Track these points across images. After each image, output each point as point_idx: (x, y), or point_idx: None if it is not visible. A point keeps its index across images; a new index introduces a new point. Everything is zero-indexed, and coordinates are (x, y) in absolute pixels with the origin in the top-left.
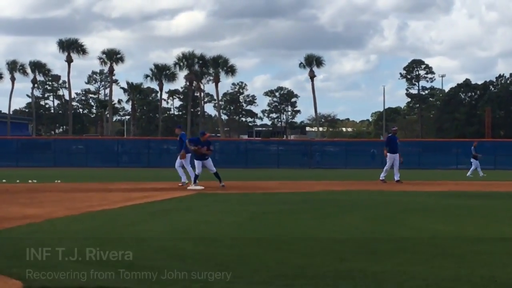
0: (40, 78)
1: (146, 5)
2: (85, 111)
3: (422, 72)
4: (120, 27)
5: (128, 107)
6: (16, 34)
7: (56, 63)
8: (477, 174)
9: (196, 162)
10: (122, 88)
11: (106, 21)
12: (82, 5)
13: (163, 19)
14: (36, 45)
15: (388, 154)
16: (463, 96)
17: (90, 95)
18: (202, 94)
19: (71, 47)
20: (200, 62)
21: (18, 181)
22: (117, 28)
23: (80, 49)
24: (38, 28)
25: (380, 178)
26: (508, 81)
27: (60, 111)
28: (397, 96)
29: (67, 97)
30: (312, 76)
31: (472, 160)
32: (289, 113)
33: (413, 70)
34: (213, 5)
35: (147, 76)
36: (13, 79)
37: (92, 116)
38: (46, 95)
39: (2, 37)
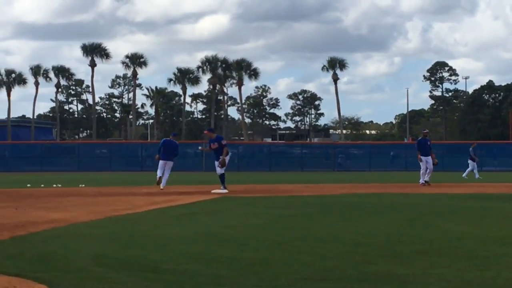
0: (63, 82)
1: (170, 9)
2: (109, 115)
3: (445, 74)
4: (144, 31)
5: (151, 111)
6: (41, 39)
7: (80, 67)
8: (473, 176)
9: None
10: (145, 94)
11: (130, 25)
12: (106, 9)
13: (187, 23)
14: (60, 50)
15: (421, 157)
16: (486, 98)
17: (114, 99)
18: (225, 97)
19: (95, 52)
20: (223, 65)
21: (42, 185)
22: (141, 32)
23: (104, 54)
24: (63, 33)
25: (420, 183)
26: None
27: (84, 116)
28: (421, 98)
29: (90, 102)
30: (335, 79)
31: (469, 161)
32: (313, 116)
33: (437, 72)
34: (237, 8)
35: (170, 80)
36: (37, 84)
37: (115, 120)
38: (70, 100)
39: (27, 42)
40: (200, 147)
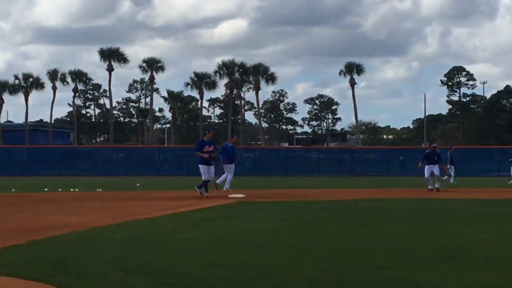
0: (81, 87)
1: (189, 13)
2: (126, 120)
3: (463, 79)
4: (163, 36)
5: (168, 115)
6: (60, 43)
7: (98, 72)
8: (448, 180)
9: (201, 167)
10: (163, 97)
11: (149, 30)
12: (126, 14)
13: (207, 27)
14: (79, 55)
15: (425, 166)
16: (504, 103)
17: (131, 104)
18: (242, 102)
19: (112, 56)
20: (241, 70)
21: (60, 189)
22: (160, 37)
23: (121, 58)
24: (82, 38)
25: (429, 188)
26: None
27: (101, 120)
28: (439, 103)
29: (108, 106)
30: (352, 83)
31: (449, 165)
32: (330, 120)
33: (454, 77)
34: (256, 13)
35: (187, 84)
36: (54, 88)
37: (133, 124)
38: (87, 104)
39: (46, 47)
40: (205, 156)
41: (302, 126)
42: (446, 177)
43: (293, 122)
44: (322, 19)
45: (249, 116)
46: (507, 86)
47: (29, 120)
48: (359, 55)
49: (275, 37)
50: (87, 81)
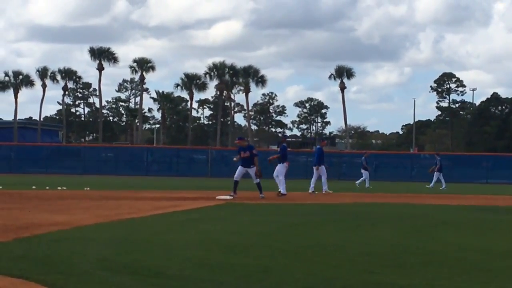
0: (71, 85)
1: (184, 14)
2: (115, 119)
3: (453, 86)
4: (157, 36)
5: (158, 115)
6: (53, 42)
7: (90, 71)
8: (363, 185)
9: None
10: (152, 98)
11: (143, 30)
12: (120, 13)
13: (201, 29)
14: (73, 53)
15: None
16: (493, 110)
17: (121, 103)
18: (232, 104)
19: (103, 55)
20: (231, 72)
21: (47, 187)
22: (154, 37)
23: (112, 57)
24: (76, 36)
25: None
26: None
27: (91, 119)
28: (429, 109)
29: (97, 105)
30: (342, 87)
31: (362, 170)
32: (319, 124)
33: (444, 83)
34: (251, 15)
35: (177, 85)
36: (44, 86)
37: (122, 124)
38: (77, 103)
39: (39, 45)
40: (234, 158)
41: (291, 129)
42: (368, 185)
43: (283, 125)
44: (316, 23)
45: (239, 118)
46: (495, 93)
47: (18, 117)
48: (352, 59)
49: (268, 39)
50: (77, 79)
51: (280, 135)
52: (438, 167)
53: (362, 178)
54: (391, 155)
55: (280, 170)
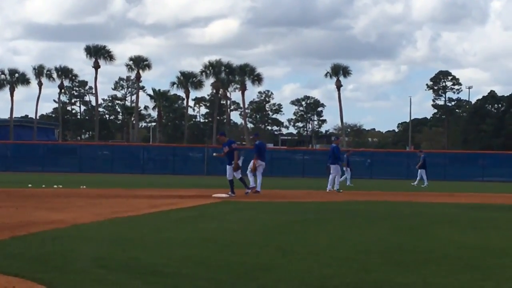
0: (66, 83)
1: (181, 12)
2: (112, 117)
3: (448, 84)
4: (154, 34)
5: (154, 113)
6: (50, 40)
7: (86, 69)
8: (345, 183)
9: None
10: (149, 94)
11: (140, 28)
12: (117, 11)
13: (197, 27)
14: (69, 51)
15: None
16: (489, 108)
17: (117, 102)
18: (228, 102)
19: (98, 53)
20: (227, 70)
21: (43, 186)
22: (151, 35)
23: (108, 55)
24: (73, 34)
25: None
26: None
27: (87, 117)
28: (425, 107)
29: (93, 103)
30: (338, 85)
31: (345, 168)
32: (315, 122)
33: (440, 81)
34: (248, 13)
35: (173, 83)
36: (40, 84)
37: (118, 122)
38: (73, 101)
39: (36, 43)
40: (214, 154)
41: (287, 127)
42: (349, 183)
43: (279, 123)
44: (313, 21)
45: (235, 116)
46: (492, 91)
47: (14, 115)
48: (349, 57)
49: (265, 37)
50: (73, 77)
51: (252, 135)
52: (421, 164)
53: (344, 176)
54: (387, 153)
55: (258, 167)
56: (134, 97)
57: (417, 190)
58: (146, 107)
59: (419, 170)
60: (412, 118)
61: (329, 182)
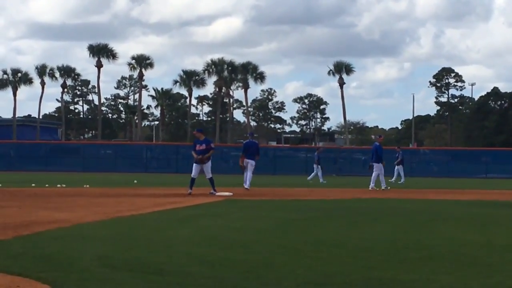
0: (69, 82)
1: (184, 10)
2: (114, 116)
3: (452, 80)
4: (157, 33)
5: (157, 112)
6: (54, 39)
7: (89, 68)
8: (318, 180)
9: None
10: (151, 95)
11: (143, 27)
12: (121, 10)
13: (201, 25)
14: (72, 51)
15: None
16: (492, 105)
17: (120, 100)
18: (231, 100)
19: (101, 52)
20: (229, 68)
21: (47, 185)
22: (154, 34)
23: (110, 54)
24: (76, 34)
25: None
26: None
27: (90, 116)
28: (428, 104)
29: (96, 102)
30: (341, 83)
31: (314, 165)
32: (318, 120)
33: (443, 78)
34: (251, 11)
35: (176, 81)
36: (43, 84)
37: (121, 121)
38: (75, 100)
39: (39, 42)
40: (194, 154)
41: (290, 125)
42: (322, 180)
43: (282, 121)
44: (317, 19)
45: (238, 115)
46: (495, 87)
47: (17, 115)
48: (352, 55)
49: (269, 35)
50: (76, 76)
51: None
52: (399, 160)
53: (313, 173)
54: (390, 150)
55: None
56: (137, 96)
57: (396, 187)
58: (149, 106)
59: (396, 167)
60: (415, 115)
61: (372, 180)
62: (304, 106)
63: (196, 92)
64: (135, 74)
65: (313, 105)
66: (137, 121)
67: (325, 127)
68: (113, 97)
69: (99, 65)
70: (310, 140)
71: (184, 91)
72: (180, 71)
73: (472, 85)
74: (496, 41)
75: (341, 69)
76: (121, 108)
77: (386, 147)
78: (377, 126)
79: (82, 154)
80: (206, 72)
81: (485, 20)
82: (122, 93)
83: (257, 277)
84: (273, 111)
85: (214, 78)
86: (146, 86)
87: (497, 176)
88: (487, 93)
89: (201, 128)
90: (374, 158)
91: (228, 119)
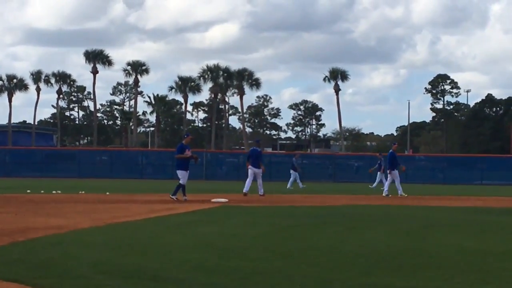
0: (65, 89)
1: (181, 17)
2: (110, 122)
3: (447, 87)
4: (154, 39)
5: (152, 118)
6: (50, 45)
7: (85, 74)
8: (297, 186)
9: (180, 172)
10: (146, 101)
11: (140, 33)
12: (117, 16)
13: (198, 31)
14: (68, 57)
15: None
16: (488, 112)
17: (115, 107)
18: (226, 106)
19: (97, 58)
20: (225, 74)
21: (42, 191)
22: (151, 40)
23: (106, 60)
24: (73, 40)
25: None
26: None
27: (85, 122)
28: (424, 111)
29: (92, 108)
30: (337, 89)
31: (291, 171)
32: (314, 126)
33: (438, 85)
34: (248, 18)
35: (171, 88)
36: (38, 90)
37: (116, 127)
38: (71, 106)
39: (36, 48)
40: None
41: (286, 132)
42: (301, 185)
43: (277, 127)
44: (313, 25)
45: (233, 121)
46: (489, 94)
47: (12, 121)
48: (349, 61)
49: (265, 42)
50: (71, 83)
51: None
52: (380, 167)
53: (291, 180)
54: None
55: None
56: (132, 102)
57: (376, 193)
58: (144, 112)
59: (378, 173)
60: (410, 122)
61: (385, 187)
62: (299, 112)
63: (192, 99)
64: (131, 80)
65: (308, 112)
66: (132, 127)
67: (320, 134)
68: (108, 103)
69: (94, 71)
70: (306, 146)
71: (179, 98)
72: (176, 77)
73: (467, 91)
74: (492, 48)
75: (337, 76)
76: (117, 114)
77: (384, 154)
78: (372, 133)
79: (77, 160)
80: (201, 78)
81: (481, 27)
82: (117, 99)
83: (253, 284)
84: (269, 118)
85: (209, 84)
86: (141, 92)
87: (492, 183)
88: (482, 99)
89: (189, 133)
90: (389, 166)
91: (223, 125)
